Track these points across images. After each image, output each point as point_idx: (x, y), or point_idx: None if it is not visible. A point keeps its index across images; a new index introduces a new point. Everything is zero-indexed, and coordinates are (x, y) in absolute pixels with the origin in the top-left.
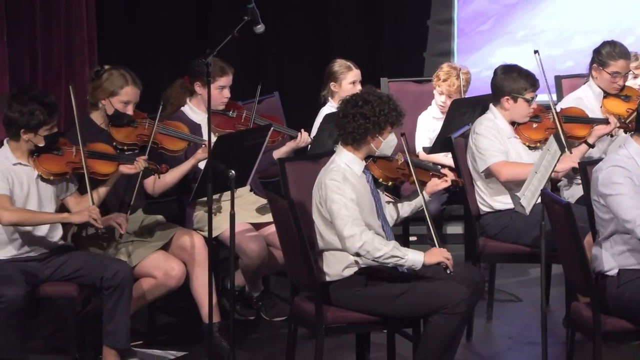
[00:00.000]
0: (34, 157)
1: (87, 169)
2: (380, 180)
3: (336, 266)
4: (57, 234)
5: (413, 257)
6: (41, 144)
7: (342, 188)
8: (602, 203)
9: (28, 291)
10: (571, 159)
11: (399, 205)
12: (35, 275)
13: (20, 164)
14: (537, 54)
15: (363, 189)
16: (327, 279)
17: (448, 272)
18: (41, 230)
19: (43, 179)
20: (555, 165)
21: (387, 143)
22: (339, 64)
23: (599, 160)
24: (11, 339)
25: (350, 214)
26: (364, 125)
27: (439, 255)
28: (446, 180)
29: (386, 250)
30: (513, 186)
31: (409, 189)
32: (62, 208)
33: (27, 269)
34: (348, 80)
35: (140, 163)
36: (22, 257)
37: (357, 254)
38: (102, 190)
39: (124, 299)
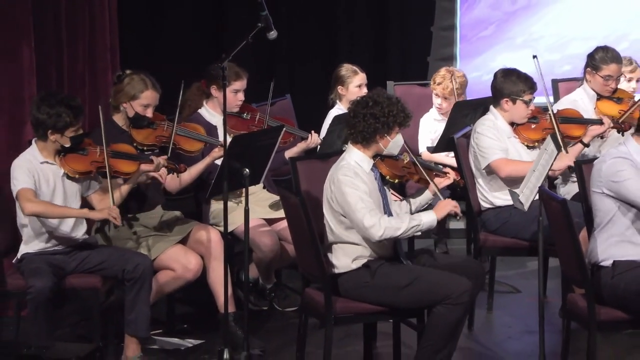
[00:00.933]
0: (60, 157)
1: (109, 168)
2: (388, 177)
3: (345, 259)
4: (82, 230)
5: (427, 219)
6: (67, 144)
7: (355, 182)
8: (607, 193)
9: (55, 283)
10: (568, 158)
11: (404, 203)
12: (62, 267)
13: (47, 162)
14: (535, 58)
15: (372, 185)
16: (336, 271)
17: (457, 218)
18: (67, 226)
19: (69, 177)
20: (553, 164)
21: (395, 143)
22: (346, 69)
23: (594, 159)
24: (39, 327)
25: (366, 205)
26: (373, 125)
27: (447, 206)
28: (449, 177)
29: (404, 225)
30: (512, 183)
31: (414, 187)
32: (86, 204)
33: (54, 262)
34: (355, 84)
35: (160, 163)
36: (49, 251)
37: (380, 241)
38: (125, 189)
39: (144, 291)
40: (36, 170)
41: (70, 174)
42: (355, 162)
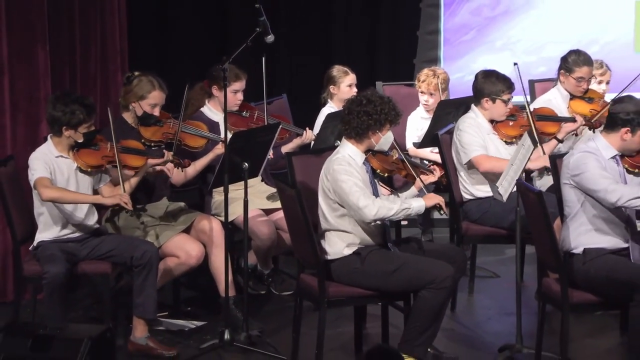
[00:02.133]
0: (73, 151)
1: (119, 162)
2: (378, 171)
3: (337, 245)
4: (93, 219)
5: (416, 205)
6: (80, 140)
7: (350, 170)
8: (573, 184)
9: (68, 269)
10: (544, 159)
11: (393, 196)
12: (75, 254)
13: (61, 156)
14: (516, 65)
15: (364, 177)
16: (329, 257)
17: (441, 213)
18: (81, 212)
19: (81, 171)
20: (529, 159)
21: (386, 139)
22: (337, 69)
23: (567, 154)
24: (54, 309)
25: (360, 189)
26: (366, 121)
27: (435, 198)
28: (434, 175)
29: (396, 207)
30: (491, 177)
31: (401, 180)
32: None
33: (68, 249)
34: (346, 84)
35: (168, 157)
36: (63, 239)
37: (374, 220)
38: (134, 181)
39: (151, 276)
40: (52, 163)
41: (82, 167)
42: (348, 155)
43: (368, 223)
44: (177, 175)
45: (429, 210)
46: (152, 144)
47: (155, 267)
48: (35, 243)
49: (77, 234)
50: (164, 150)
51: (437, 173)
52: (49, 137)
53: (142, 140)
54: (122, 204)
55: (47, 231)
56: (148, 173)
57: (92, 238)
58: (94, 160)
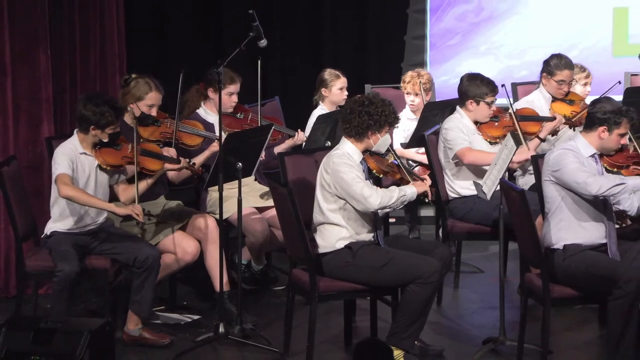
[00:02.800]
0: (96, 149)
1: (137, 165)
2: (375, 171)
3: (330, 239)
4: (104, 213)
5: (410, 191)
6: (106, 140)
7: (349, 163)
8: (554, 180)
9: (81, 268)
10: (527, 152)
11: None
12: (85, 247)
13: (85, 154)
14: (504, 87)
15: (360, 175)
16: (321, 250)
17: (427, 200)
18: (92, 209)
19: (101, 169)
20: (512, 158)
21: (383, 141)
22: (329, 73)
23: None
24: (61, 306)
25: (362, 180)
26: (367, 121)
27: (424, 185)
28: (425, 185)
29: (396, 195)
30: (476, 170)
31: (389, 182)
32: (111, 191)
33: (79, 242)
34: (337, 87)
35: (183, 163)
36: (75, 231)
37: (379, 208)
38: (148, 182)
39: (151, 278)
40: (76, 159)
41: (102, 165)
42: (347, 152)
43: (368, 214)
44: (179, 175)
45: (416, 208)
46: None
47: (156, 271)
48: (48, 232)
49: (88, 228)
50: (181, 158)
51: (428, 182)
52: (75, 132)
53: (141, 140)
54: (133, 215)
55: (60, 222)
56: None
57: (101, 232)
58: (114, 160)
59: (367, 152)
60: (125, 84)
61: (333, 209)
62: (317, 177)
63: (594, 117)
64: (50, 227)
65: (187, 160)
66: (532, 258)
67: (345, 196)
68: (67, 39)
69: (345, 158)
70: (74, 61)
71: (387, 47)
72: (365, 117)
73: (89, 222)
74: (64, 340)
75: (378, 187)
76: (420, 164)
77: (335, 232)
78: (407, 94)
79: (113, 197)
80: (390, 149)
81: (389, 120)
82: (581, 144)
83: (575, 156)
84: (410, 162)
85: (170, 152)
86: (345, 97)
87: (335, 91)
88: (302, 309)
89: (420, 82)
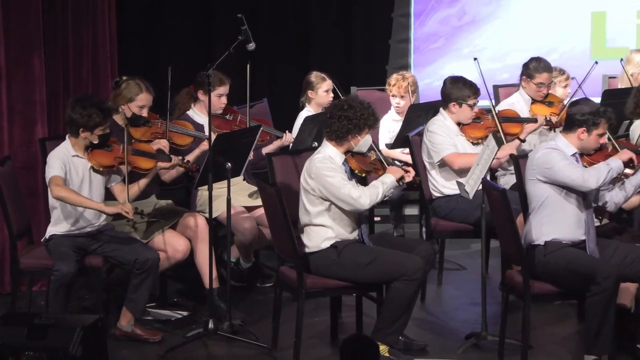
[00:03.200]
0: (88, 151)
1: (129, 164)
2: (357, 171)
3: (316, 239)
4: (103, 216)
5: (390, 180)
6: (96, 141)
7: (333, 167)
8: (541, 179)
9: (77, 269)
10: (510, 148)
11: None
12: (84, 249)
13: (77, 156)
14: (476, 60)
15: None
16: (308, 250)
17: (401, 183)
18: (90, 211)
19: (94, 170)
20: (494, 159)
21: (364, 141)
22: (315, 75)
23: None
24: (58, 304)
25: (347, 182)
26: (346, 125)
27: (399, 171)
28: (409, 175)
29: (380, 189)
30: (463, 173)
31: (373, 178)
32: (108, 194)
33: (78, 244)
34: (323, 89)
35: (176, 161)
36: (74, 233)
37: (370, 206)
38: (143, 182)
39: (149, 280)
40: (68, 162)
41: (95, 166)
42: (329, 156)
43: (355, 214)
44: (171, 174)
45: (401, 207)
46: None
47: (154, 274)
48: (47, 235)
49: (87, 230)
50: (171, 155)
51: (412, 173)
52: (67, 137)
53: (133, 140)
54: (123, 213)
55: (59, 225)
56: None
57: (100, 234)
58: (107, 161)
59: (348, 153)
60: (116, 86)
61: (319, 211)
62: (300, 182)
63: (573, 118)
64: (49, 231)
65: (181, 157)
66: (513, 255)
67: (334, 199)
68: (60, 44)
69: (327, 162)
70: (67, 65)
71: (373, 50)
72: (344, 122)
73: (85, 225)
74: (57, 335)
75: (363, 187)
76: (405, 163)
77: (321, 233)
78: (393, 96)
79: (110, 198)
80: (372, 146)
81: (368, 123)
82: (562, 144)
83: (561, 154)
84: (396, 161)
85: (162, 143)
86: (331, 99)
87: (321, 93)
88: (289, 306)
89: (405, 85)
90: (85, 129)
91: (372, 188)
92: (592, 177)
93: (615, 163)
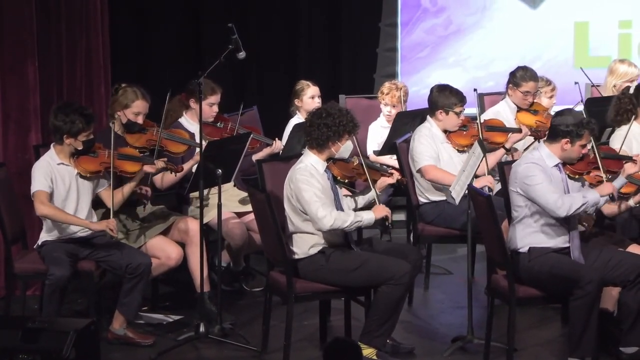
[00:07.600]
0: (74, 158)
1: (114, 168)
2: (339, 178)
3: (303, 246)
4: (94, 218)
5: (367, 217)
6: (80, 148)
7: (311, 181)
8: (520, 192)
9: (71, 273)
10: (486, 180)
11: (355, 198)
12: (76, 254)
13: (63, 164)
14: (476, 91)
15: (325, 184)
16: (296, 256)
17: (387, 223)
18: (82, 215)
19: (81, 177)
20: (479, 166)
21: (345, 147)
22: (300, 84)
23: (513, 161)
24: (52, 308)
25: (319, 199)
26: (326, 133)
27: (383, 210)
28: (392, 177)
29: (350, 219)
30: (436, 185)
31: (362, 185)
32: (97, 199)
33: (70, 249)
34: (308, 95)
35: (160, 164)
36: (66, 239)
37: (329, 230)
38: (127, 188)
39: (141, 284)
40: (53, 172)
41: (82, 173)
42: (311, 164)
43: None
44: (161, 180)
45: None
46: (138, 150)
47: (146, 278)
48: (40, 242)
49: (77, 235)
50: (155, 160)
51: (396, 175)
52: (51, 145)
53: (128, 146)
54: (107, 230)
55: (51, 232)
56: (134, 193)
57: (92, 240)
58: (93, 167)
59: (330, 160)
60: (114, 92)
61: (302, 219)
62: (284, 189)
63: (557, 129)
64: (42, 237)
65: (165, 159)
66: (498, 260)
67: (305, 212)
68: (54, 52)
69: (307, 174)
70: (60, 73)
71: (360, 59)
72: (324, 129)
73: (75, 230)
74: (51, 339)
75: (336, 210)
76: (393, 168)
77: (308, 240)
78: (385, 104)
79: (100, 204)
80: (355, 152)
81: (348, 129)
82: (545, 154)
83: (542, 171)
84: (384, 167)
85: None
86: (318, 104)
87: (306, 100)
88: (279, 309)
89: (399, 94)
90: (69, 135)
91: (344, 215)
92: (565, 205)
93: (592, 196)
